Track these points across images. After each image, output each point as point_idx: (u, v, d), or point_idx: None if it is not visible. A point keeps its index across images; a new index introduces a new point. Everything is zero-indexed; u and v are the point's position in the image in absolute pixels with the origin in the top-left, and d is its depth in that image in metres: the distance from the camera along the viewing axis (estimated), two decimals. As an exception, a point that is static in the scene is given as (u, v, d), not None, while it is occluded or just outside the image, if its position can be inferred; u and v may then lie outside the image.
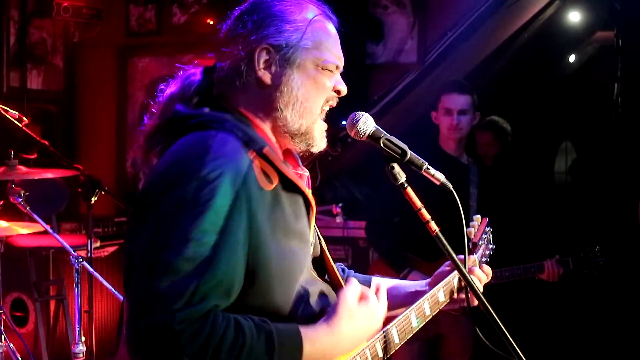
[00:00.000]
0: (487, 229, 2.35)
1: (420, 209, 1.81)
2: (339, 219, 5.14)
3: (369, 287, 2.04)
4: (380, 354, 1.81)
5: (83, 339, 3.43)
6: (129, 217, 1.70)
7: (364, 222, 4.18)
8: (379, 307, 1.75)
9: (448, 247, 1.79)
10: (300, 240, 1.70)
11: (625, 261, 2.82)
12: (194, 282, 1.47)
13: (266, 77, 1.72)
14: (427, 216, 1.80)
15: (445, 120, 3.77)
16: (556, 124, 7.05)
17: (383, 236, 3.87)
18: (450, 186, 1.80)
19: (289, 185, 1.69)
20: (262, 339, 1.51)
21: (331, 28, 1.79)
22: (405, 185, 1.80)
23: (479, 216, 2.29)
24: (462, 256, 1.91)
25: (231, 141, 1.62)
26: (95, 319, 3.60)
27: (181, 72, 1.81)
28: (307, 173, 1.85)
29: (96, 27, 5.84)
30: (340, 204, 5.20)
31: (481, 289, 2.04)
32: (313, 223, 1.82)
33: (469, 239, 2.24)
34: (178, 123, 1.70)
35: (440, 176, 1.81)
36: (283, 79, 1.71)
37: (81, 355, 3.41)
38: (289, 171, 1.69)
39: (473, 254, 2.21)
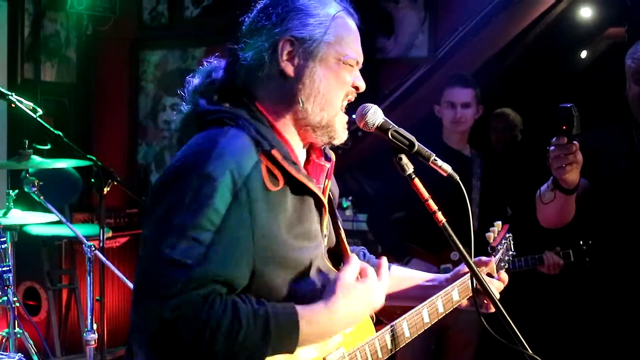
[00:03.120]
0: (507, 235, 2.33)
1: (427, 200, 1.82)
2: (348, 212, 5.18)
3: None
4: (389, 346, 1.84)
5: (95, 326, 3.47)
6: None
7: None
8: (379, 284, 1.76)
9: (454, 237, 1.80)
10: (309, 239, 1.73)
11: (629, 255, 2.82)
12: (186, 274, 1.51)
13: (289, 68, 1.74)
14: (434, 207, 1.82)
15: (448, 113, 3.81)
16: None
17: (384, 228, 3.92)
18: (457, 177, 1.81)
19: (297, 186, 1.71)
20: (260, 323, 1.54)
21: (352, 24, 1.82)
22: (413, 176, 1.81)
23: (499, 222, 2.28)
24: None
25: (241, 139, 1.65)
26: (106, 308, 3.65)
27: (206, 64, 1.84)
28: (328, 165, 1.87)
29: (109, 20, 5.88)
30: (350, 197, 5.24)
31: (498, 296, 2.02)
32: (327, 218, 1.84)
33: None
34: (197, 118, 1.74)
35: (447, 167, 1.82)
36: (306, 71, 1.74)
37: (93, 342, 3.45)
38: (297, 173, 1.71)
39: (490, 260, 2.20)
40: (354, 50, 1.80)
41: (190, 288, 1.50)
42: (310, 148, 1.87)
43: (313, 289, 1.72)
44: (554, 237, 3.65)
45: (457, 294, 2.06)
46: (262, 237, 1.61)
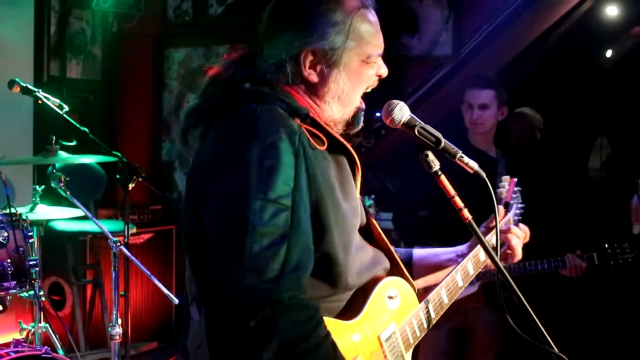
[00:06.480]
0: (516, 189, 2.38)
1: (454, 197, 1.82)
2: (371, 211, 5.17)
3: (411, 261, 2.10)
4: (433, 315, 1.93)
5: (119, 321, 3.49)
6: (185, 200, 1.72)
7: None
8: None
9: (480, 234, 1.81)
10: (350, 200, 1.74)
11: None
12: (283, 244, 1.51)
13: (313, 76, 1.76)
14: (460, 204, 1.81)
15: (467, 114, 3.81)
16: (591, 120, 6.97)
17: (409, 226, 3.91)
18: (484, 174, 1.80)
19: (335, 147, 1.75)
20: None
21: (371, 17, 1.82)
22: (439, 172, 1.81)
23: (507, 177, 2.33)
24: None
25: (276, 110, 1.67)
26: (131, 303, 3.67)
27: (224, 60, 1.85)
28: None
29: (134, 17, 5.92)
30: (373, 196, 5.23)
31: (520, 255, 2.10)
32: (359, 186, 1.85)
33: (502, 202, 2.30)
34: (221, 101, 1.73)
35: (473, 164, 1.81)
36: (330, 78, 1.77)
37: (117, 337, 3.48)
38: (335, 133, 1.76)
39: (507, 214, 2.26)
40: (376, 45, 1.81)
41: (292, 266, 1.50)
42: None
43: (358, 263, 1.76)
44: (577, 239, 3.62)
45: (483, 255, 2.09)
46: (316, 194, 1.63)
